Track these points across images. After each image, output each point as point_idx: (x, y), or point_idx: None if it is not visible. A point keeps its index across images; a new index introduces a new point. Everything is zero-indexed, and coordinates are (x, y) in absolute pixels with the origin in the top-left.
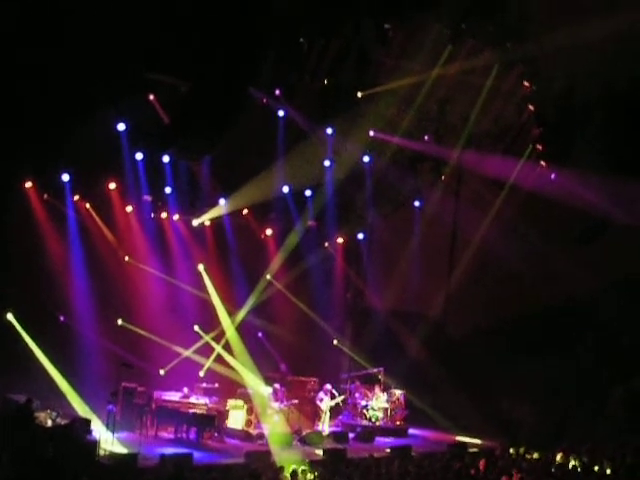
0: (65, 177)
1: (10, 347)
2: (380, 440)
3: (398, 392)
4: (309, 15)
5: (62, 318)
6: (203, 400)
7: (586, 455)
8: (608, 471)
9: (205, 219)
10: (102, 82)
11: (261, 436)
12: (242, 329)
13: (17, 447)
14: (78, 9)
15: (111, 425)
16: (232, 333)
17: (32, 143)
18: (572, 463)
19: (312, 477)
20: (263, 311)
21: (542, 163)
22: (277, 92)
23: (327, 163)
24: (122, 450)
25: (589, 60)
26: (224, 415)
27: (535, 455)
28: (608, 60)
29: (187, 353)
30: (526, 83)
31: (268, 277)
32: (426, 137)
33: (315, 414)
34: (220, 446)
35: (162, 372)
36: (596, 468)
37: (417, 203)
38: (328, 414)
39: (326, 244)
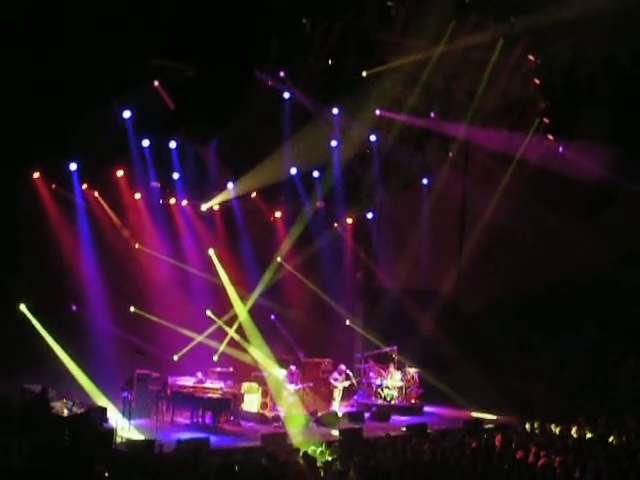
0: (73, 166)
1: (24, 338)
2: (396, 419)
3: (412, 370)
4: None
5: (74, 307)
6: (218, 384)
7: (601, 427)
8: (624, 440)
9: (214, 203)
10: (107, 69)
11: (277, 418)
12: (254, 312)
13: (34, 437)
14: None
15: (127, 412)
16: (244, 316)
17: (38, 133)
18: (588, 435)
19: (329, 458)
20: (275, 293)
21: (549, 137)
22: (282, 74)
23: (334, 143)
24: (139, 437)
25: (594, 32)
26: (239, 399)
27: (551, 429)
28: (613, 31)
29: (200, 338)
30: (531, 57)
31: (279, 259)
32: (432, 114)
33: (330, 395)
34: (236, 430)
35: (176, 358)
36: (611, 439)
37: (425, 181)
38: (341, 394)
39: (335, 225)
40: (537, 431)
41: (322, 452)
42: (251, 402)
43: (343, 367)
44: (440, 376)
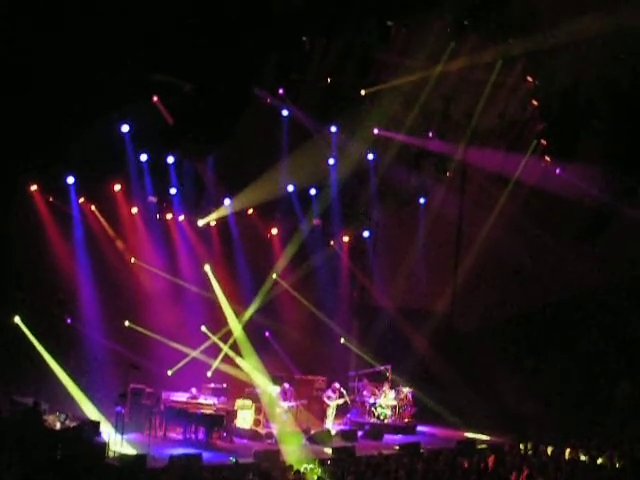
0: (70, 179)
1: (17, 350)
2: (389, 437)
3: (406, 389)
4: (311, 14)
5: (69, 320)
6: (211, 400)
7: (595, 450)
8: (617, 465)
9: (210, 219)
10: (106, 84)
11: (270, 435)
12: (249, 329)
13: (26, 450)
14: (82, 11)
15: (120, 426)
16: (239, 333)
17: (37, 146)
18: (582, 458)
19: (322, 476)
20: (270, 310)
21: (546, 158)
22: (281, 91)
23: (331, 161)
24: (131, 451)
25: (593, 54)
26: (233, 415)
27: (544, 451)
28: (612, 54)
29: (194, 354)
30: (529, 78)
31: (274, 276)
32: (430, 134)
33: (323, 413)
34: (229, 446)
35: (170, 373)
36: (605, 462)
37: (422, 200)
38: (334, 412)
39: (332, 242)
40: (530, 452)
41: (314, 470)
42: (244, 419)
43: (337, 385)
44: (434, 395)
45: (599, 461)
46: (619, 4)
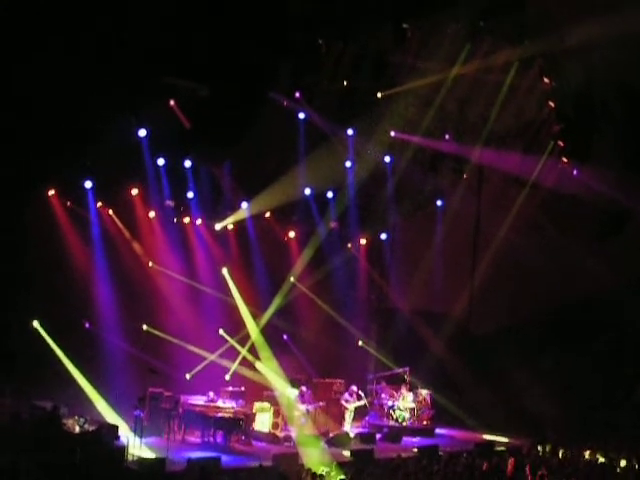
0: (88, 184)
1: (36, 354)
2: (407, 440)
3: (424, 392)
4: (327, 17)
5: (87, 325)
6: (230, 404)
7: (614, 451)
8: (637, 466)
9: (228, 223)
10: (122, 88)
11: (288, 438)
12: (267, 332)
13: (45, 453)
14: (97, 15)
15: (138, 430)
16: (257, 336)
17: (54, 151)
18: (600, 460)
19: (340, 478)
20: (287, 313)
21: (563, 160)
22: (297, 95)
23: (348, 164)
24: (150, 455)
25: (608, 55)
26: (251, 418)
27: (562, 453)
28: (627, 55)
29: (212, 357)
30: (546, 80)
31: (292, 279)
32: (447, 136)
33: (342, 415)
34: (247, 449)
35: (188, 376)
36: (624, 464)
37: (439, 202)
38: (352, 415)
39: (349, 245)
40: (548, 455)
41: (333, 473)
42: (262, 422)
43: (355, 388)
44: (452, 398)
45: (619, 463)
46: (635, 5)
